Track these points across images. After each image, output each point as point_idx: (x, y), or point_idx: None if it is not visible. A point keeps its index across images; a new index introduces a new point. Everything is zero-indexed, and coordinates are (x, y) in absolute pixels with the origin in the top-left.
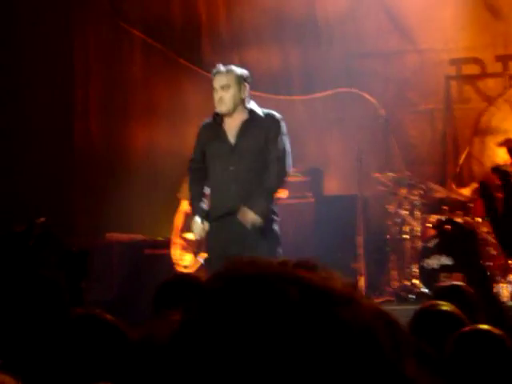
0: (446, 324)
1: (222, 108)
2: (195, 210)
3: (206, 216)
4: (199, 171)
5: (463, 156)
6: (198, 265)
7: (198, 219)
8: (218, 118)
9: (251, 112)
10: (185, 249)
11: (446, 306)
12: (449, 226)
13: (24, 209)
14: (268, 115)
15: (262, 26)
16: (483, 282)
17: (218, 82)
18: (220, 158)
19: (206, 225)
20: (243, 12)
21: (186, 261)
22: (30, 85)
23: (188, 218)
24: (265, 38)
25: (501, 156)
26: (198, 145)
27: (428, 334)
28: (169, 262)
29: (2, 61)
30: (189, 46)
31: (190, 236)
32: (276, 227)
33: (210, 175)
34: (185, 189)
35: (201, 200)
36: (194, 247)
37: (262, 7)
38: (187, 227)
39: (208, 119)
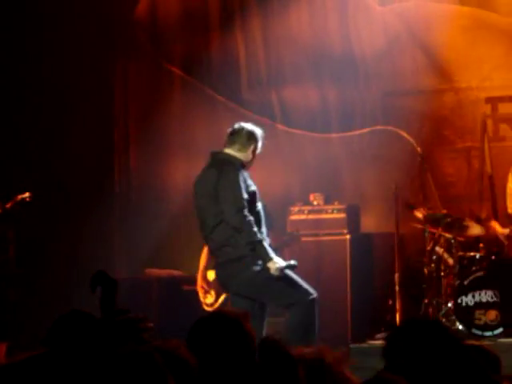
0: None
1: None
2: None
3: None
4: None
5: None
6: (219, 303)
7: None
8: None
9: None
10: (207, 288)
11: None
12: None
13: (62, 244)
14: None
15: (300, 63)
16: None
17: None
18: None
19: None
20: (281, 50)
21: (208, 299)
22: (72, 121)
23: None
24: (302, 76)
25: None
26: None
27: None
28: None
29: (46, 98)
30: (227, 84)
31: (211, 275)
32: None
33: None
34: None
35: None
36: (215, 286)
37: (299, 45)
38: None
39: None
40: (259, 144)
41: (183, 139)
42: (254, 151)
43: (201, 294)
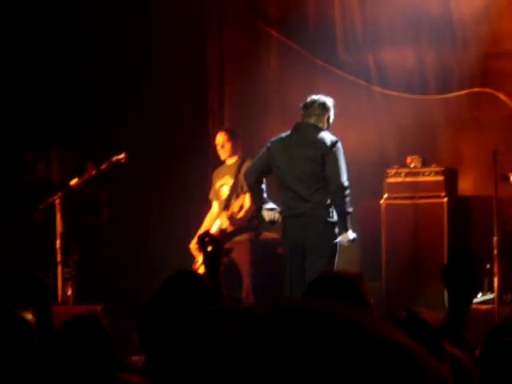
0: None
1: None
2: None
3: None
4: None
5: None
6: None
7: None
8: None
9: None
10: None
11: None
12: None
13: (155, 209)
14: None
15: (397, 25)
16: None
17: None
18: None
19: None
20: (377, 11)
21: (199, 260)
22: (165, 85)
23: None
24: (399, 38)
25: None
26: None
27: None
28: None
29: (136, 60)
30: (323, 45)
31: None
32: None
33: None
34: (213, 190)
35: None
36: None
37: (396, 6)
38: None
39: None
40: (331, 112)
41: (279, 102)
42: (328, 120)
43: (197, 255)
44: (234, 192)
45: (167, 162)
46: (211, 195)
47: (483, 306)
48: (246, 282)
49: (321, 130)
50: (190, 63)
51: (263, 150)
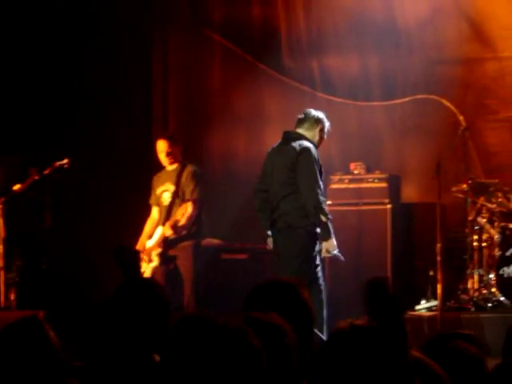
0: None
1: None
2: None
3: None
4: None
5: None
6: (151, 271)
7: None
8: None
9: None
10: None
11: None
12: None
13: (98, 214)
14: None
15: (342, 31)
16: None
17: None
18: None
19: None
20: (323, 18)
21: (142, 267)
22: (111, 89)
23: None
24: (344, 44)
25: None
26: None
27: None
28: (245, 266)
29: (82, 63)
30: (268, 51)
31: (149, 244)
32: None
33: None
34: (154, 196)
35: None
36: (147, 255)
37: (341, 13)
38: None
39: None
40: (324, 126)
41: (223, 106)
42: (320, 133)
43: (143, 264)
44: (176, 199)
45: (111, 167)
46: (152, 200)
47: (427, 313)
48: (188, 288)
49: (301, 138)
50: (134, 68)
51: None
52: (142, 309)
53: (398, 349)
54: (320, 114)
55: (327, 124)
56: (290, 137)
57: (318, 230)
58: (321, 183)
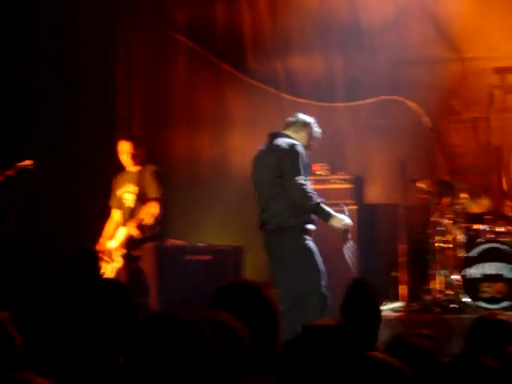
0: (505, 334)
1: None
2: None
3: None
4: None
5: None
6: (114, 272)
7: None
8: None
9: None
10: (108, 257)
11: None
12: None
13: (61, 215)
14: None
15: (306, 33)
16: None
17: None
18: None
19: None
20: (287, 19)
21: (103, 268)
22: (74, 89)
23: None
24: (309, 45)
25: None
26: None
27: (487, 344)
28: (209, 267)
29: (45, 64)
30: (232, 52)
31: (111, 244)
32: None
33: None
34: (115, 198)
35: None
36: (109, 256)
37: (306, 14)
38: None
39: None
40: (312, 130)
41: (187, 108)
42: (308, 137)
43: (103, 265)
44: (139, 200)
45: (75, 168)
46: (112, 202)
47: (392, 314)
48: (152, 288)
49: (285, 137)
50: (98, 69)
51: None
52: (109, 310)
53: (358, 348)
54: (309, 119)
55: (316, 130)
56: (274, 137)
57: (310, 226)
58: (305, 177)
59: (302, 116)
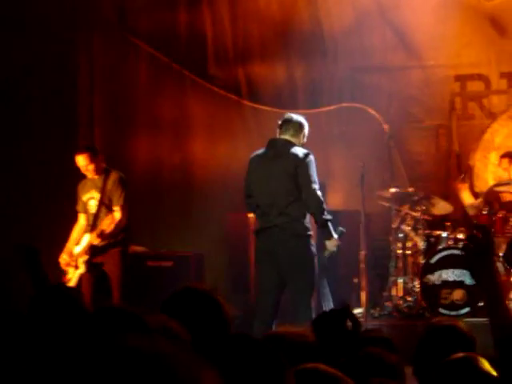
0: (454, 341)
1: None
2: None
3: None
4: None
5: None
6: (78, 278)
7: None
8: None
9: None
10: (73, 264)
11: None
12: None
13: (23, 222)
14: None
15: (268, 40)
16: (498, 298)
17: None
18: None
19: None
20: (249, 26)
21: (70, 274)
22: (35, 94)
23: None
24: (270, 53)
25: (501, 173)
26: None
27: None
28: (170, 273)
29: (5, 70)
30: (194, 59)
31: (76, 250)
32: None
33: None
34: (81, 202)
35: None
36: (75, 261)
37: (267, 22)
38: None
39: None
40: (306, 130)
41: (149, 114)
42: (304, 135)
43: (70, 270)
44: (102, 206)
45: (37, 177)
46: (79, 207)
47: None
48: (116, 293)
49: (294, 145)
50: (59, 75)
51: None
52: (61, 316)
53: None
54: (302, 119)
55: (307, 128)
56: (280, 144)
57: (311, 233)
58: (319, 186)
59: (295, 117)
